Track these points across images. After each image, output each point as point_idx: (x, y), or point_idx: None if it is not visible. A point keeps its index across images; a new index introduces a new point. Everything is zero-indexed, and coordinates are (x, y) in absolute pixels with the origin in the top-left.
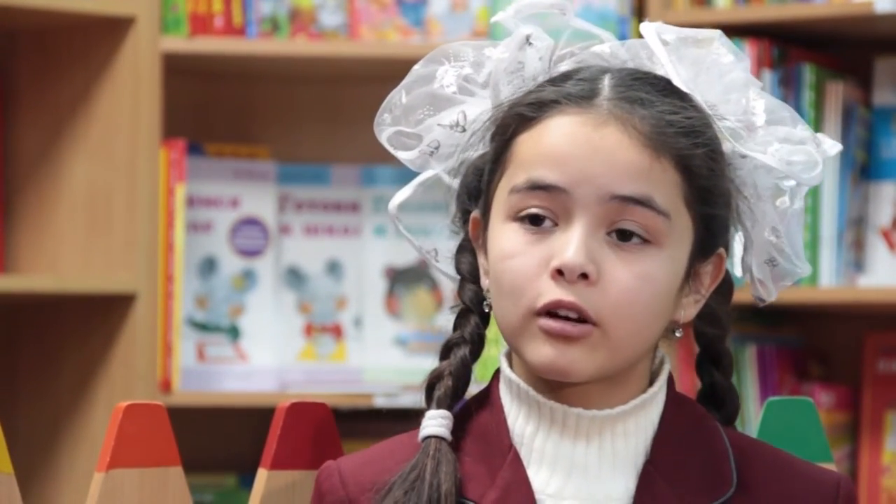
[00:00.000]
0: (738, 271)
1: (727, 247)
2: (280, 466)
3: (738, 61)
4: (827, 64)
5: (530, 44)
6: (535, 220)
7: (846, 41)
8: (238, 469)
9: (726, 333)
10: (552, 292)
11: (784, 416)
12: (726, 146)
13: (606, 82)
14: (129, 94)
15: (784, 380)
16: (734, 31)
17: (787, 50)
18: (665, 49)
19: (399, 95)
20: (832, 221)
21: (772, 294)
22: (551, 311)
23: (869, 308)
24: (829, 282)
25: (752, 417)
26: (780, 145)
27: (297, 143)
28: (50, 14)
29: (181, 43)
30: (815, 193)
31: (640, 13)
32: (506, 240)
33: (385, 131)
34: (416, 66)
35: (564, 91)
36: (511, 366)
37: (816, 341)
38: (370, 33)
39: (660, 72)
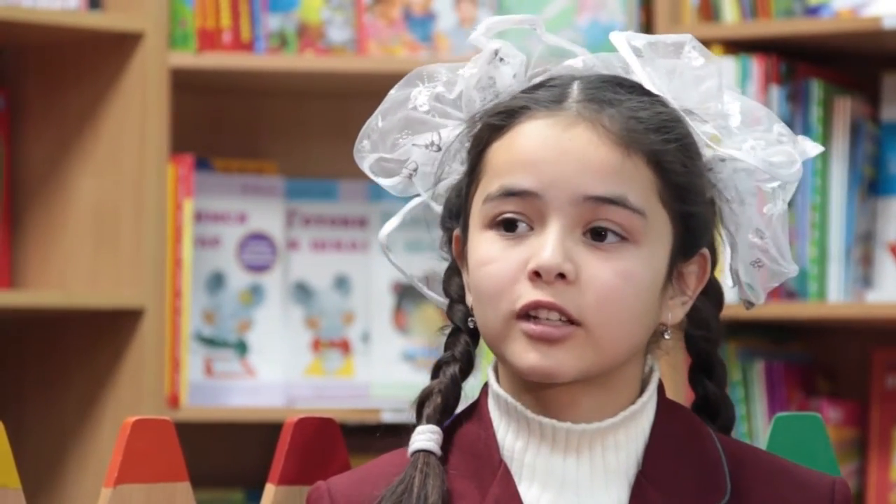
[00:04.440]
0: (728, 282)
1: (712, 248)
2: (287, 482)
3: (709, 63)
4: (835, 79)
5: (501, 60)
6: (509, 226)
7: (854, 57)
8: (245, 484)
9: (718, 343)
10: (530, 294)
11: (792, 432)
12: (706, 152)
13: (575, 87)
14: (137, 109)
15: (792, 395)
16: (742, 46)
17: (794, 65)
18: (637, 58)
19: (376, 120)
20: (840, 237)
21: (760, 297)
22: (531, 314)
23: (877, 324)
24: (836, 297)
25: (760, 433)
26: (756, 142)
27: (305, 158)
28: (58, 30)
29: (189, 58)
30: (822, 209)
31: (647, 28)
32: (483, 247)
33: (366, 159)
34: (391, 91)
35: (534, 97)
36: (498, 379)
37: (824, 357)
38: (378, 49)
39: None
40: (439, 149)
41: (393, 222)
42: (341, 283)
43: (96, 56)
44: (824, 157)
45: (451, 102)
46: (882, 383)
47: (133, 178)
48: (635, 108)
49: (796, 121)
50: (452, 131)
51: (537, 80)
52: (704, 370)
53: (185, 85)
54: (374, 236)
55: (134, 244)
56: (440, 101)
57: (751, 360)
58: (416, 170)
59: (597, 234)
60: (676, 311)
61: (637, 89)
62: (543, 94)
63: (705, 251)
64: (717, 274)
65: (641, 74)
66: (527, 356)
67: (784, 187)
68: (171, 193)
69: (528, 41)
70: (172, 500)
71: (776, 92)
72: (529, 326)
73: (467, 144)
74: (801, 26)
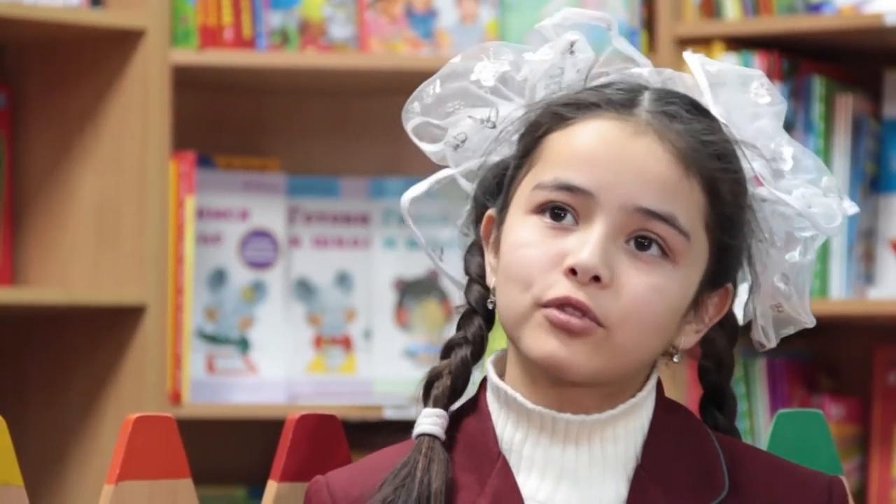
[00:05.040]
0: (740, 318)
1: (735, 283)
2: (290, 478)
3: (774, 103)
4: (837, 76)
5: (572, 52)
6: (556, 215)
7: (856, 53)
8: (248, 481)
9: (730, 377)
10: (562, 287)
11: (794, 429)
12: (750, 188)
13: (646, 95)
14: (139, 106)
15: (794, 392)
16: (744, 43)
17: (796, 62)
18: (708, 82)
19: (433, 86)
20: (842, 234)
21: (772, 340)
22: (558, 307)
23: (879, 321)
24: (839, 294)
25: (762, 430)
26: (805, 190)
27: (307, 155)
28: (59, 27)
29: (191, 55)
30: None
31: (649, 25)
32: (523, 231)
33: (412, 120)
34: (454, 59)
35: (605, 96)
36: (501, 373)
37: (826, 354)
38: (380, 46)
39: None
40: (494, 126)
41: (419, 187)
42: (343, 280)
43: (98, 53)
44: (826, 154)
45: (515, 85)
46: (884, 380)
47: (135, 176)
48: (703, 130)
49: (798, 118)
50: (509, 110)
51: (601, 80)
52: (715, 402)
53: (187, 82)
54: (376, 233)
55: (136, 241)
56: (505, 81)
57: (753, 357)
58: (464, 141)
59: (640, 245)
60: (689, 338)
61: (705, 113)
62: (614, 96)
63: (729, 285)
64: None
65: (708, 97)
66: (546, 344)
67: (815, 238)
68: (173, 190)
69: (597, 39)
70: (174, 497)
71: (778, 89)
72: (554, 313)
73: (521, 129)
74: (802, 23)
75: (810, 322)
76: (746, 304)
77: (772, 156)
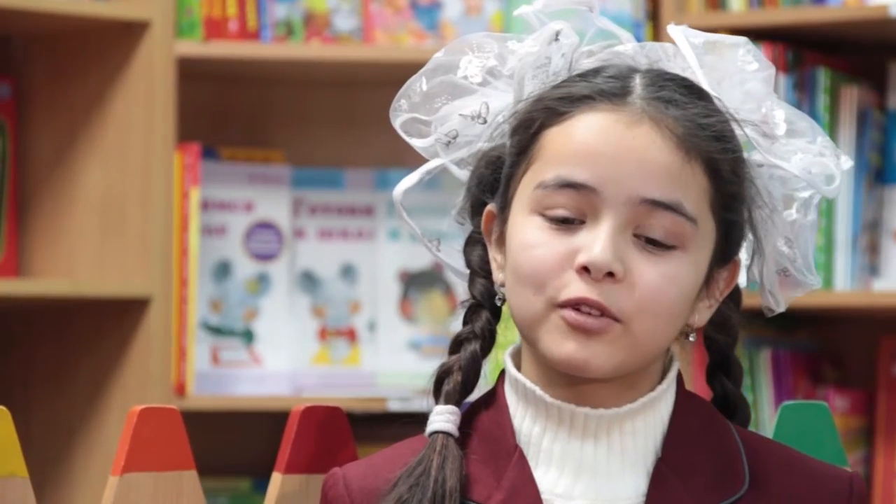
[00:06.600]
0: (742, 280)
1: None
2: (294, 470)
3: (762, 69)
4: (841, 68)
5: (557, 40)
6: (561, 221)
7: (861, 45)
8: (252, 473)
9: (736, 341)
10: (577, 287)
11: (799, 421)
12: (746, 154)
13: (638, 81)
14: (144, 98)
15: (799, 384)
16: (749, 34)
17: (801, 54)
18: (694, 54)
19: (419, 82)
20: (847, 225)
21: (781, 304)
22: (574, 307)
23: (884, 312)
24: (843, 286)
25: (767, 422)
26: (803, 155)
27: (312, 146)
28: (65, 18)
29: (196, 47)
30: None
31: (654, 17)
32: (529, 232)
33: (400, 117)
34: (437, 55)
35: (597, 87)
36: (518, 367)
37: (831, 345)
38: (384, 37)
39: (682, 74)
40: (485, 121)
41: (410, 179)
42: (348, 272)
43: (103, 45)
44: None
45: (503, 77)
46: (889, 371)
47: (140, 167)
48: (699, 113)
49: (803, 109)
50: (499, 103)
51: (583, 63)
52: (722, 368)
53: (192, 74)
54: (381, 225)
55: (141, 233)
56: (492, 75)
57: (757, 349)
58: (455, 137)
59: (648, 239)
60: (703, 314)
61: (698, 92)
62: (605, 85)
63: (738, 258)
64: None
65: (697, 71)
66: (564, 346)
67: (813, 197)
68: (178, 182)
69: (578, 22)
70: (179, 489)
71: (783, 80)
72: (571, 314)
73: (514, 123)
74: (808, 14)
75: (817, 283)
76: (750, 268)
77: (764, 119)
